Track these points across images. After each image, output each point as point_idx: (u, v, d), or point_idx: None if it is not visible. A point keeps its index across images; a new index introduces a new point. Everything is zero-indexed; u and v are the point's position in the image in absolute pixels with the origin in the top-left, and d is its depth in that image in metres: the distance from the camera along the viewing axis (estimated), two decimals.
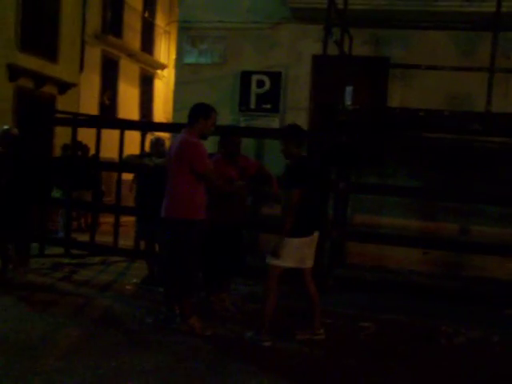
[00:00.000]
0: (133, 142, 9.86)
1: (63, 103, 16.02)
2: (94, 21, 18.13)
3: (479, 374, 4.92)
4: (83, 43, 17.49)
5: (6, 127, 7.32)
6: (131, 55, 20.42)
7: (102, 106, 18.84)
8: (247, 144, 7.50)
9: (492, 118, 7.17)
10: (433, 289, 7.74)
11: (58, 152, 12.54)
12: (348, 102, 7.58)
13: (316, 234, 5.37)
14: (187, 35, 10.27)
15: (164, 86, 23.13)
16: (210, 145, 6.27)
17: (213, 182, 5.46)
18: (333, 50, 7.70)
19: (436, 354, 5.34)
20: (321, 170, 5.44)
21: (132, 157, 8.33)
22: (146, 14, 21.76)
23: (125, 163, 8.20)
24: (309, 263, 5.37)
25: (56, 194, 10.07)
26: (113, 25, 19.00)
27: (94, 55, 18.28)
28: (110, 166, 10.05)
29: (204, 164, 5.29)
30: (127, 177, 9.47)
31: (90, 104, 17.55)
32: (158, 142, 7.71)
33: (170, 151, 5.58)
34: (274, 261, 5.20)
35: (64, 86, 16.47)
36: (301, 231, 5.22)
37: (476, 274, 8.66)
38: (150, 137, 8.98)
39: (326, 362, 4.96)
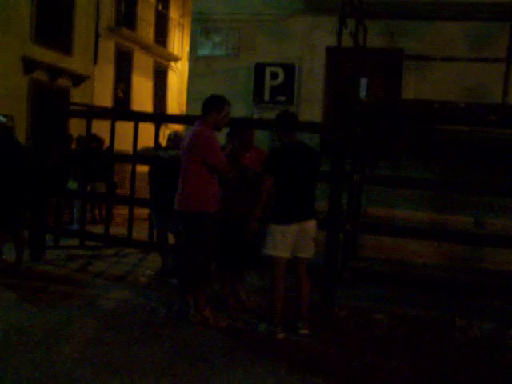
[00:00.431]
0: (146, 134, 9.85)
1: (77, 96, 16.11)
2: (108, 13, 18.18)
3: (493, 367, 4.91)
4: (97, 36, 17.54)
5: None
6: (145, 47, 20.45)
7: (115, 98, 18.90)
8: (261, 137, 7.50)
9: (509, 109, 7.11)
10: (447, 282, 7.70)
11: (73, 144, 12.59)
12: (362, 93, 7.56)
13: (306, 224, 5.27)
14: (201, 27, 10.27)
15: (178, 78, 23.14)
16: (224, 136, 6.29)
17: (225, 175, 5.46)
18: (347, 42, 7.67)
19: (450, 347, 5.32)
20: (307, 157, 5.33)
21: (146, 149, 8.35)
22: (160, 7, 21.76)
23: (139, 155, 8.21)
24: (303, 254, 5.31)
25: (72, 185, 10.12)
26: (126, 17, 19.05)
27: (107, 48, 18.33)
28: (125, 157, 10.10)
29: (216, 156, 5.29)
30: (142, 169, 9.48)
31: (103, 96, 17.62)
32: (176, 137, 7.70)
33: (183, 143, 5.59)
34: (267, 250, 5.23)
35: (78, 79, 16.54)
36: (281, 218, 5.20)
37: (490, 266, 8.62)
38: (164, 129, 8.98)
39: (340, 354, 4.96)
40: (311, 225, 5.32)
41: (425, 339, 5.44)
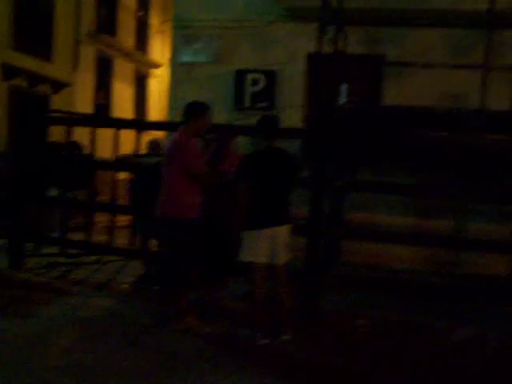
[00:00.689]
0: (129, 141, 9.81)
1: (57, 102, 15.98)
2: (88, 20, 18.09)
3: (474, 370, 4.94)
4: (77, 42, 17.45)
5: None
6: (125, 54, 20.38)
7: (96, 105, 18.79)
8: (242, 142, 7.49)
9: (487, 115, 7.20)
10: (429, 286, 7.75)
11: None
12: (343, 99, 7.60)
13: (279, 229, 5.24)
14: (182, 34, 10.28)
15: (159, 84, 23.07)
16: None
17: (205, 182, 5.48)
18: (328, 49, 7.71)
19: (432, 350, 5.35)
20: (283, 164, 5.33)
21: (125, 156, 8.33)
22: (141, 13, 21.72)
23: (120, 162, 8.19)
24: (278, 260, 5.26)
25: (53, 193, 10.02)
26: (107, 24, 18.98)
27: (88, 54, 18.23)
28: (106, 164, 10.03)
29: (195, 164, 5.32)
30: (122, 176, 9.45)
31: (84, 103, 17.51)
32: (153, 143, 7.76)
33: (164, 151, 5.61)
34: (245, 257, 5.20)
35: (58, 86, 16.43)
36: (254, 223, 5.16)
37: (472, 271, 8.68)
38: (145, 136, 8.95)
39: (323, 359, 4.96)
40: (285, 230, 5.28)
41: (406, 343, 5.47)
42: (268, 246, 5.18)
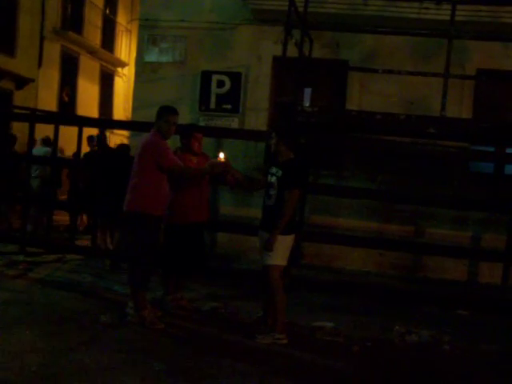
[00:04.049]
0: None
1: (20, 99, 15.78)
2: (54, 16, 17.89)
3: (429, 372, 5.05)
4: (42, 38, 17.24)
5: None
6: (91, 52, 20.21)
7: (60, 102, 18.58)
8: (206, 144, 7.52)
9: (446, 122, 7.34)
10: (388, 290, 7.88)
11: None
12: (307, 103, 7.67)
13: (263, 232, 5.50)
14: (148, 33, 10.23)
15: (124, 84, 22.95)
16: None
17: (184, 173, 5.74)
18: (293, 52, 7.78)
19: (389, 353, 5.45)
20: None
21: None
22: (107, 11, 21.56)
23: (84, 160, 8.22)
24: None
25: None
26: (73, 21, 18.79)
27: (53, 51, 18.04)
28: (67, 162, 10.00)
29: (170, 160, 5.51)
30: None
31: (48, 100, 17.32)
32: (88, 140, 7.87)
33: (136, 150, 5.80)
34: (275, 261, 5.30)
35: (21, 81, 16.22)
36: (289, 229, 5.34)
37: (430, 275, 8.85)
38: (109, 134, 8.99)
39: (288, 359, 5.02)
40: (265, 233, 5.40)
41: (364, 345, 5.54)
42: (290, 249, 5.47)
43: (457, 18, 7.34)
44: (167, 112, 5.63)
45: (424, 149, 8.81)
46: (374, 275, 8.83)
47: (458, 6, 7.44)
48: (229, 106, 9.81)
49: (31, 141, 8.63)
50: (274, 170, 5.44)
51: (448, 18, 7.34)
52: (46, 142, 10.09)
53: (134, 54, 17.29)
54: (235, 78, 9.81)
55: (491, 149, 8.69)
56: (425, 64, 8.90)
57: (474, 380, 4.97)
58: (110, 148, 9.69)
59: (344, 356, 5.21)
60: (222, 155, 5.71)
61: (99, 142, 9.10)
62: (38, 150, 9.87)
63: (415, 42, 9.12)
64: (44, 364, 4.45)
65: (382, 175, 9.06)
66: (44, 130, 9.90)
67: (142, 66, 10.34)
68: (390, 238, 8.74)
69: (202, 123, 9.63)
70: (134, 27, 19.84)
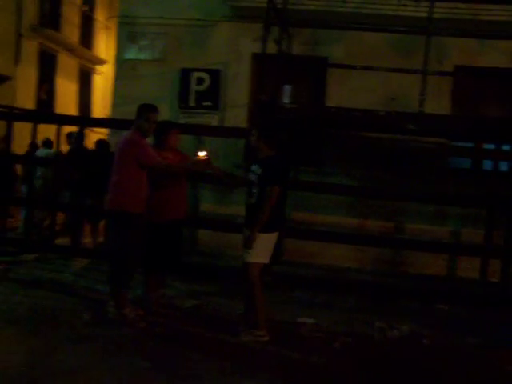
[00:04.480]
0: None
1: None
2: (31, 13, 17.69)
3: (409, 366, 5.09)
4: (19, 35, 17.05)
5: None
6: (70, 49, 20.02)
7: (38, 100, 18.40)
8: (185, 141, 7.51)
9: (425, 118, 7.40)
10: (368, 285, 7.92)
11: None
12: (286, 100, 7.69)
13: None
14: (127, 31, 10.19)
15: (103, 81, 22.76)
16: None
17: (167, 170, 5.74)
18: (273, 49, 7.79)
19: (370, 348, 5.49)
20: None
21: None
22: (86, 8, 21.37)
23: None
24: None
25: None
26: (51, 17, 18.58)
27: (30, 48, 17.83)
28: (46, 160, 9.91)
29: (152, 157, 5.51)
30: None
31: (25, 98, 17.12)
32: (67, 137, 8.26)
33: (116, 147, 5.77)
34: (255, 258, 5.27)
35: None
36: (271, 226, 5.29)
37: (410, 270, 8.92)
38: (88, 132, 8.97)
39: (270, 356, 5.02)
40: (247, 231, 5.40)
41: (346, 340, 5.57)
42: (271, 247, 5.38)
43: (435, 15, 7.42)
44: (147, 110, 5.62)
45: (403, 145, 8.87)
46: (354, 271, 8.87)
47: (436, 4, 7.51)
48: (209, 103, 9.80)
49: (9, 140, 8.53)
50: (254, 167, 5.43)
51: (426, 15, 7.40)
52: (46, 143, 10.06)
53: (112, 52, 17.22)
54: (215, 75, 9.80)
55: (470, 145, 8.79)
56: (404, 60, 8.95)
57: (454, 373, 5.02)
58: (85, 147, 9.61)
59: (325, 352, 5.23)
60: (202, 153, 5.72)
61: (78, 139, 9.01)
62: (40, 151, 9.80)
63: (394, 38, 9.18)
64: (26, 364, 4.42)
65: (361, 171, 9.10)
66: (44, 131, 9.81)
67: (121, 63, 10.29)
68: (370, 233, 8.79)
69: (182, 121, 9.60)
70: (113, 24, 19.74)
